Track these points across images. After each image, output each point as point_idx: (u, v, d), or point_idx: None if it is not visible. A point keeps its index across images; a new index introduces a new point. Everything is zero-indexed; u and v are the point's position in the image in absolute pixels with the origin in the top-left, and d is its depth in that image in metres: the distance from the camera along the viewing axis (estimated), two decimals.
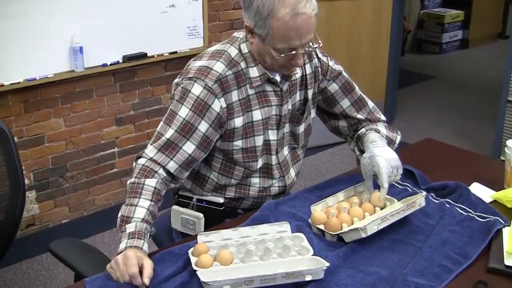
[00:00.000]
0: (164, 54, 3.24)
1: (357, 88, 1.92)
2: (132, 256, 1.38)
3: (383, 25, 4.26)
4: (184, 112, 1.64)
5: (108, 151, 3.23)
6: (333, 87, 1.87)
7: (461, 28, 6.85)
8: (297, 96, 1.82)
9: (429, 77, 5.90)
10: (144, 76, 3.25)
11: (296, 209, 1.72)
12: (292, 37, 1.57)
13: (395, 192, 1.80)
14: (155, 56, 3.20)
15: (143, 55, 3.14)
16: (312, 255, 1.46)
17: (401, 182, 1.87)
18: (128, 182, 1.59)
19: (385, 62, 4.37)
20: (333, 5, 3.96)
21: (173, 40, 3.25)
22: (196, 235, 1.56)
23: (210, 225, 1.73)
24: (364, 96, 1.94)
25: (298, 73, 1.79)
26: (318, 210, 1.65)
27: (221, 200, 1.79)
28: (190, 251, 1.47)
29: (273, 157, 1.80)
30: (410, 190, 1.83)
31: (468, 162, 2.09)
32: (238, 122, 1.69)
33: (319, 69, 1.84)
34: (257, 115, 1.72)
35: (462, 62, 6.44)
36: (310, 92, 1.84)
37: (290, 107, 1.80)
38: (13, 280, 2.81)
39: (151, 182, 1.57)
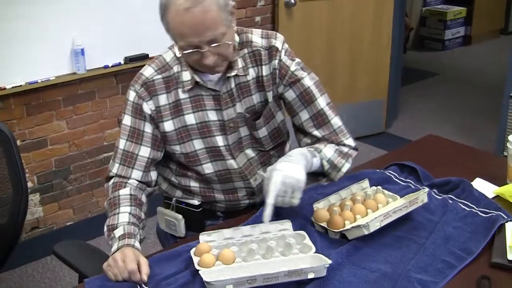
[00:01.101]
0: None
1: (321, 101, 1.69)
2: (129, 253, 1.41)
3: (385, 23, 4.25)
4: (127, 120, 1.67)
5: (111, 152, 3.19)
6: (290, 95, 1.70)
7: (464, 25, 6.83)
8: (254, 99, 1.70)
9: (432, 74, 5.88)
10: None
11: (298, 207, 1.71)
12: (187, 34, 1.48)
13: (398, 189, 1.80)
14: None
15: (145, 56, 3.13)
16: (315, 252, 1.46)
17: (403, 179, 1.87)
18: (105, 202, 1.63)
19: (387, 60, 4.35)
20: (334, 3, 3.95)
21: None
22: (198, 236, 1.56)
23: (191, 226, 1.76)
24: (330, 113, 1.70)
25: (247, 74, 1.66)
26: (321, 208, 1.65)
27: (197, 202, 1.78)
28: (192, 251, 1.47)
29: (230, 162, 1.71)
30: (413, 187, 1.82)
31: (470, 158, 2.09)
32: (168, 126, 1.67)
33: (277, 71, 1.68)
34: (190, 119, 1.67)
35: (465, 58, 6.42)
36: (270, 95, 1.70)
37: (241, 110, 1.69)
38: (18, 283, 2.81)
39: (125, 191, 1.61)
